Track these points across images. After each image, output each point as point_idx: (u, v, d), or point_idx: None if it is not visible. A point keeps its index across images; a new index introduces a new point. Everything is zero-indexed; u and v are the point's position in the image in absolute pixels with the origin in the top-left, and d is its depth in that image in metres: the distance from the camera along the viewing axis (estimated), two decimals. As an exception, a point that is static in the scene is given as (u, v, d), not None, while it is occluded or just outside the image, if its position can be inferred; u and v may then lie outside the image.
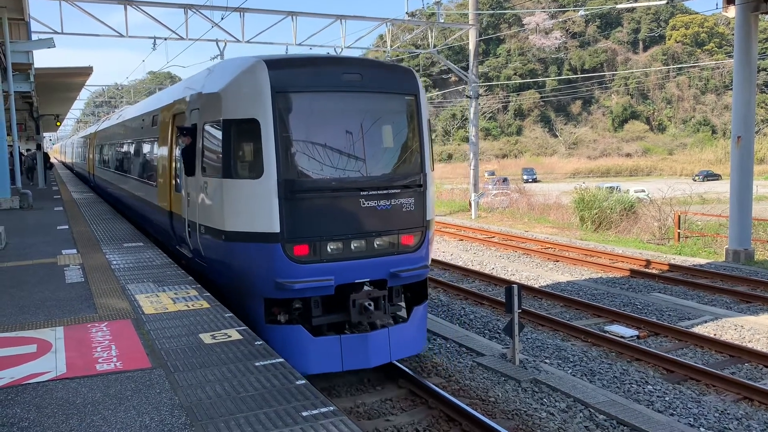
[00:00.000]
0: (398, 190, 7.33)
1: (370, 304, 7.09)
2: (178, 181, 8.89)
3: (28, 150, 33.06)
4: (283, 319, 7.17)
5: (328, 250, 6.99)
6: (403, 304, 7.89)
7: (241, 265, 7.17)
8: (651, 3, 28.94)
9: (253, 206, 6.94)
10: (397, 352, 7.40)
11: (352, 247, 7.07)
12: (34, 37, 19.07)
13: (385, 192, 7.23)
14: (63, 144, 65.54)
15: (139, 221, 12.90)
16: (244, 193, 7.00)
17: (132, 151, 13.66)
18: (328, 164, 7.16)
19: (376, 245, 7.22)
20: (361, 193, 7.10)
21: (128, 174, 13.94)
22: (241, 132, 7.02)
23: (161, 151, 10.21)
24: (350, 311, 7.08)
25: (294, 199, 6.83)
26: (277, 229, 6.81)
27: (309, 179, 7.04)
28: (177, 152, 8.84)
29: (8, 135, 18.08)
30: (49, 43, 17.61)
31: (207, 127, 7.61)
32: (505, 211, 27.98)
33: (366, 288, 7.16)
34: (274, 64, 7.03)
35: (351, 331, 7.28)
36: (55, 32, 19.94)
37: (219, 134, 7.25)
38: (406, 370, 7.86)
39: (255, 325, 6.88)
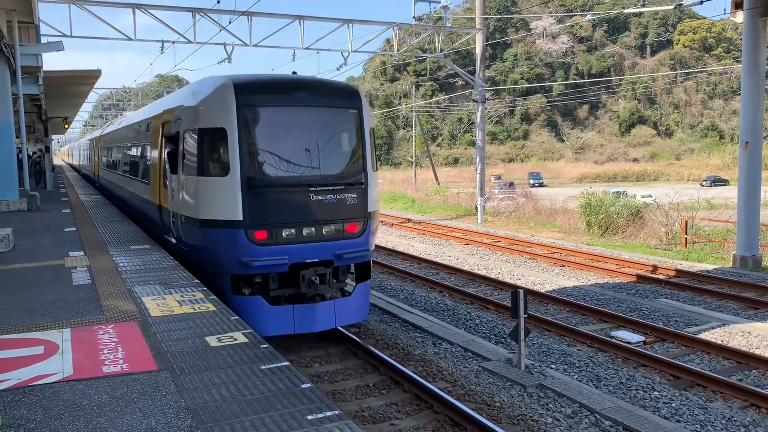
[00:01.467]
0: (342, 187, 8.83)
1: (316, 279, 8.57)
2: (166, 179, 10.28)
3: (35, 152, 33.19)
4: (247, 291, 8.60)
5: (283, 235, 8.45)
6: (350, 281, 9.37)
7: (212, 247, 8.68)
8: (659, 8, 28.85)
9: (221, 199, 8.44)
10: (341, 320, 8.98)
11: (304, 233, 8.56)
12: (44, 40, 19.20)
13: (331, 188, 8.72)
14: (70, 147, 66.26)
15: (137, 216, 14.32)
16: (215, 188, 8.53)
17: (130, 154, 15.17)
18: (283, 165, 8.66)
19: (324, 232, 8.69)
20: (311, 188, 8.58)
21: (128, 174, 15.38)
22: (212, 138, 8.56)
23: (153, 154, 11.80)
24: (300, 285, 8.53)
25: (254, 193, 8.32)
26: (241, 218, 8.27)
27: (267, 177, 8.49)
28: (165, 155, 10.20)
29: (17, 137, 18.20)
30: (58, 46, 17.71)
31: (186, 134, 9.14)
32: (511, 215, 27.93)
33: (314, 267, 8.62)
34: (239, 84, 8.58)
35: (303, 301, 8.73)
36: (64, 35, 20.06)
37: (195, 140, 8.77)
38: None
39: (224, 296, 8.26)
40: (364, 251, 9.03)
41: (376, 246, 19.23)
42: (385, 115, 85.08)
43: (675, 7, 20.51)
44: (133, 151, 14.71)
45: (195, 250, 9.23)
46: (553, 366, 8.87)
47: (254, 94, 8.65)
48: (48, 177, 26.76)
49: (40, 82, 18.82)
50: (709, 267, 16.08)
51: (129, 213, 15.61)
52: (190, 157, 8.98)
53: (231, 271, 8.47)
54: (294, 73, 10.37)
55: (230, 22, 21.74)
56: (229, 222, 8.38)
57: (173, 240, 10.17)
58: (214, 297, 7.17)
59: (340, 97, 9.27)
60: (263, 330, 8.10)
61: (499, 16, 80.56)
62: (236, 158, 8.32)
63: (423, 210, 30.91)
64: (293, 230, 8.50)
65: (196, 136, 8.78)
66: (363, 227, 8.98)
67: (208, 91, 8.94)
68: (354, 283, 9.31)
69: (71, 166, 58.56)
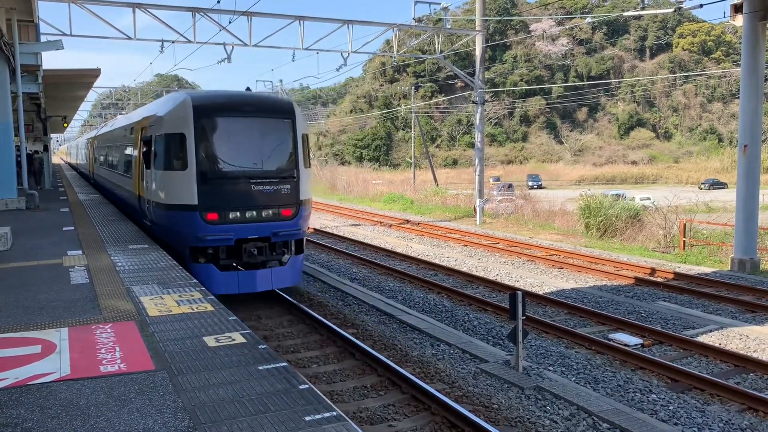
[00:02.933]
0: (278, 180, 11.03)
1: (255, 251, 10.88)
2: (144, 174, 12.36)
3: (36, 152, 33.14)
4: (202, 260, 10.80)
5: (230, 216, 10.66)
6: (287, 254, 11.49)
7: (175, 226, 10.93)
8: (658, 11, 28.89)
9: (182, 188, 10.63)
10: (276, 284, 11.26)
11: (247, 215, 10.78)
12: (43, 38, 19.19)
13: (268, 180, 10.93)
14: (69, 146, 66.65)
15: (125, 207, 16.30)
16: (177, 180, 10.75)
17: (118, 153, 17.46)
18: (230, 162, 10.84)
19: (263, 214, 10.90)
20: (252, 180, 10.80)
21: (116, 170, 17.74)
22: (175, 141, 10.75)
23: (134, 153, 13.91)
24: (242, 256, 10.82)
25: (207, 184, 10.55)
26: (196, 203, 10.50)
27: (217, 171, 10.71)
28: (142, 154, 12.51)
29: (16, 136, 18.17)
30: (57, 45, 17.70)
31: (157, 138, 11.36)
32: (509, 217, 27.93)
33: (255, 242, 10.89)
34: (196, 100, 10.93)
35: (246, 268, 10.98)
36: (64, 34, 20.03)
37: (163, 142, 11.08)
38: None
39: (185, 264, 10.37)
40: (296, 230, 11.36)
41: (374, 246, 19.22)
42: (385, 116, 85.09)
43: (674, 11, 20.54)
44: (120, 151, 16.93)
45: (163, 229, 11.51)
46: (550, 368, 8.87)
47: (207, 107, 10.89)
48: (47, 176, 26.72)
49: (40, 80, 18.80)
50: (707, 270, 16.09)
51: (118, 204, 17.79)
52: (159, 156, 11.29)
53: (189, 244, 10.70)
54: (248, 89, 13.11)
55: (230, 22, 21.73)
56: (187, 206, 10.59)
57: (148, 222, 12.46)
58: (212, 297, 7.17)
59: (276, 110, 11.47)
60: (214, 290, 9.89)
61: (499, 18, 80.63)
62: (193, 157, 10.56)
63: (421, 211, 30.91)
64: (238, 213, 10.74)
65: (163, 139, 11.09)
66: (296, 212, 11.25)
67: (172, 104, 11.34)
68: (290, 255, 11.53)
69: (69, 164, 58.73)
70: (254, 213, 10.82)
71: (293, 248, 11.55)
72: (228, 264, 10.91)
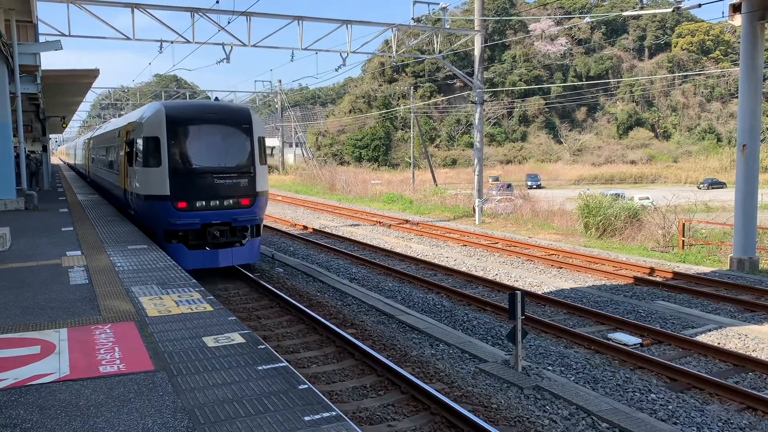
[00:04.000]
0: (237, 175, 13.17)
1: (217, 234, 13.03)
2: (130, 170, 14.37)
3: (33, 152, 33.13)
4: (174, 240, 12.85)
5: (197, 205, 12.76)
6: (247, 237, 13.61)
7: (152, 213, 13.01)
8: (657, 11, 28.91)
9: (157, 181, 12.72)
10: (236, 261, 13.44)
11: (211, 204, 12.88)
12: (42, 39, 19.19)
13: (229, 175, 13.07)
14: (67, 147, 67.23)
15: (114, 200, 18.62)
16: (153, 175, 12.85)
17: (109, 154, 19.61)
18: (196, 160, 12.97)
19: (224, 203, 13.01)
20: (215, 175, 12.93)
21: (107, 168, 19.95)
22: (151, 143, 12.81)
23: (121, 153, 15.96)
24: (210, 238, 12.98)
25: (177, 178, 12.64)
26: (169, 193, 12.57)
27: (186, 167, 12.81)
28: (126, 154, 14.70)
29: (14, 136, 18.16)
30: (56, 45, 17.70)
31: (137, 140, 13.51)
32: (508, 217, 27.94)
33: (217, 226, 13.04)
34: (169, 109, 13.02)
35: (211, 247, 13.09)
36: (63, 34, 20.01)
37: (141, 144, 13.18)
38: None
39: (161, 244, 12.28)
40: (253, 217, 13.43)
41: (374, 246, 19.24)
42: (384, 116, 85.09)
43: (673, 10, 20.54)
44: (110, 152, 19.26)
45: (143, 216, 13.65)
46: (550, 368, 8.87)
47: (178, 115, 12.94)
48: (45, 176, 26.69)
49: (39, 81, 18.80)
50: (706, 269, 16.10)
51: (109, 199, 20.27)
52: (139, 155, 13.38)
53: (163, 227, 12.76)
54: (216, 99, 15.81)
55: (229, 23, 21.73)
56: (161, 196, 12.68)
57: (132, 211, 14.67)
58: (212, 297, 7.17)
59: (236, 117, 13.53)
60: (184, 266, 11.19)
61: (498, 18, 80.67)
62: (165, 155, 12.64)
63: (421, 211, 30.91)
64: (204, 202, 12.85)
65: (141, 141, 13.20)
66: (253, 201, 13.36)
67: (150, 113, 13.30)
68: (249, 238, 13.66)
69: (68, 165, 58.94)
70: (217, 202, 13.00)
71: (251, 232, 13.70)
72: (196, 244, 13.02)
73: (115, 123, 21.08)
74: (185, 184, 12.67)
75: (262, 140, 13.85)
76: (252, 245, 13.68)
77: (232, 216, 13.07)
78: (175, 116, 12.85)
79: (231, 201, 13.07)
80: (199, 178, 12.81)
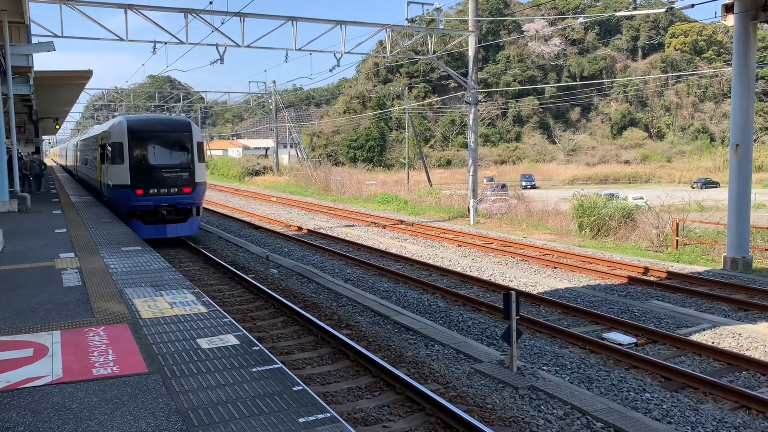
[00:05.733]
0: (180, 170, 17.44)
1: (165, 213, 17.22)
2: (103, 167, 18.73)
3: (32, 153, 33.06)
4: (134, 218, 16.89)
5: (150, 192, 16.92)
6: (189, 216, 17.83)
7: (118, 198, 17.29)
8: (650, 11, 29.01)
9: (121, 175, 16.97)
10: (180, 233, 17.67)
11: (160, 191, 17.05)
12: (34, 40, 19.09)
13: (174, 170, 17.33)
14: (60, 148, 67.94)
15: (91, 190, 24.38)
16: (118, 170, 17.08)
17: (90, 154, 24.15)
18: (150, 158, 17.24)
19: (171, 191, 17.21)
20: (163, 170, 17.21)
21: (88, 166, 24.99)
22: (117, 147, 17.11)
23: (98, 155, 20.35)
24: (160, 217, 17.18)
25: (136, 172, 16.90)
26: (129, 183, 16.82)
27: (142, 164, 17.07)
28: (101, 155, 19.16)
29: (7, 138, 18.08)
30: (49, 47, 17.63)
31: (107, 144, 17.77)
32: (503, 217, 27.97)
33: (165, 208, 17.32)
34: (130, 121, 17.43)
35: (161, 223, 17.30)
36: (56, 35, 19.91)
37: (111, 147, 17.38)
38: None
39: (125, 220, 16.56)
40: (193, 201, 17.80)
41: (368, 247, 19.25)
42: (378, 117, 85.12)
43: (666, 11, 20.63)
44: (91, 153, 23.52)
45: (112, 200, 18.10)
46: (545, 368, 8.88)
47: (137, 126, 17.44)
48: (38, 180, 26.53)
49: (31, 82, 18.73)
50: (700, 269, 16.16)
51: (89, 189, 26.02)
52: (109, 155, 17.69)
53: (126, 209, 17.05)
54: (169, 111, 24.41)
55: (223, 23, 21.68)
56: (124, 185, 17.03)
57: (105, 198, 19.25)
58: (206, 299, 7.14)
59: (179, 126, 18.18)
60: (141, 236, 14.87)
61: (492, 19, 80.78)
62: (126, 155, 17.02)
63: (415, 211, 30.92)
64: (156, 189, 17.10)
65: (110, 145, 17.51)
66: (192, 189, 17.69)
67: (116, 124, 17.95)
68: (191, 217, 17.88)
69: (60, 165, 59.30)
70: (165, 190, 17.25)
71: (192, 212, 17.92)
72: (150, 220, 17.19)
73: (94, 131, 26.75)
74: (142, 177, 17.01)
75: (200, 144, 18.22)
76: (192, 222, 18.01)
77: (177, 200, 17.39)
78: (134, 127, 17.30)
79: (176, 189, 17.35)
80: (152, 172, 17.15)
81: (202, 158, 18.05)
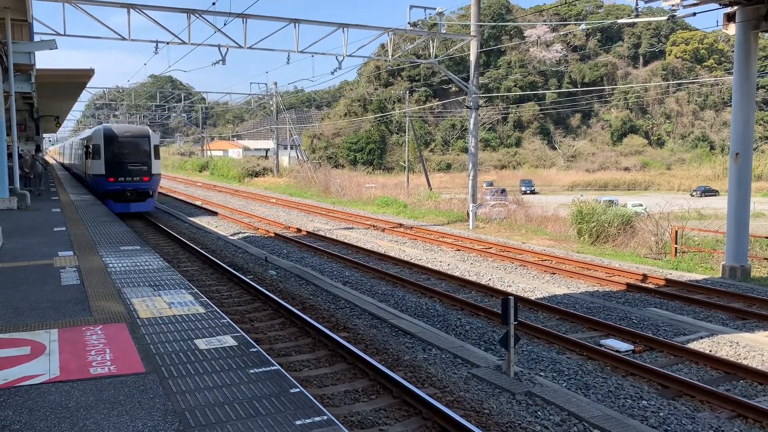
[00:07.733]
0: (141, 163, 24.05)
1: (130, 194, 23.91)
2: (87, 161, 25.23)
3: (34, 151, 33.15)
4: (108, 198, 23.19)
5: (119, 179, 23.66)
6: (147, 198, 24.54)
7: (97, 184, 24.12)
8: (652, 19, 29.04)
9: (99, 167, 23.82)
10: (141, 209, 24.45)
11: (127, 179, 23.78)
12: (37, 38, 19.10)
13: (137, 164, 24.00)
14: (59, 147, 68.98)
15: (80, 180, 31.25)
16: (97, 164, 23.94)
17: (81, 152, 29.54)
18: (119, 156, 23.85)
19: (134, 179, 23.91)
20: (129, 164, 23.86)
21: (78, 161, 31.62)
22: (96, 147, 24.06)
23: (85, 152, 26.57)
24: (126, 197, 23.83)
25: (109, 165, 23.68)
26: (104, 173, 23.64)
27: (114, 160, 23.74)
28: (86, 152, 25.88)
29: (8, 135, 18.08)
30: (51, 45, 17.64)
31: (90, 145, 24.90)
32: (502, 222, 27.97)
33: (130, 191, 24.15)
34: (105, 128, 24.73)
35: (127, 201, 23.97)
36: (58, 34, 19.93)
37: (92, 147, 24.48)
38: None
39: (102, 200, 22.70)
40: (150, 187, 24.17)
41: (367, 250, 19.25)
42: (379, 120, 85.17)
43: (668, 19, 20.66)
44: (81, 152, 29.14)
45: (92, 186, 24.68)
46: (542, 373, 8.88)
47: (110, 133, 24.00)
48: (39, 179, 26.54)
49: (33, 80, 18.74)
50: (699, 277, 16.16)
51: (79, 179, 32.56)
52: (90, 153, 24.48)
53: (102, 191, 23.34)
54: (133, 122, 29.60)
55: (225, 24, 21.71)
56: (101, 175, 23.46)
57: (89, 185, 25.19)
58: (205, 299, 7.14)
59: (141, 133, 24.88)
60: (113, 210, 20.13)
61: (494, 24, 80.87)
62: (103, 153, 23.50)
63: (415, 215, 30.92)
64: (123, 178, 23.46)
65: (92, 146, 24.20)
66: (150, 178, 24.07)
67: (96, 131, 24.68)
68: (149, 198, 24.42)
69: (60, 163, 59.82)
70: (130, 178, 23.68)
71: (150, 194, 24.33)
72: (120, 199, 23.40)
73: (83, 134, 33.81)
74: (113, 169, 23.44)
75: (156, 146, 24.90)
76: (149, 202, 24.63)
77: (138, 186, 23.89)
78: (108, 133, 23.95)
79: (138, 178, 23.83)
80: (121, 166, 23.54)
81: (157, 156, 24.79)
